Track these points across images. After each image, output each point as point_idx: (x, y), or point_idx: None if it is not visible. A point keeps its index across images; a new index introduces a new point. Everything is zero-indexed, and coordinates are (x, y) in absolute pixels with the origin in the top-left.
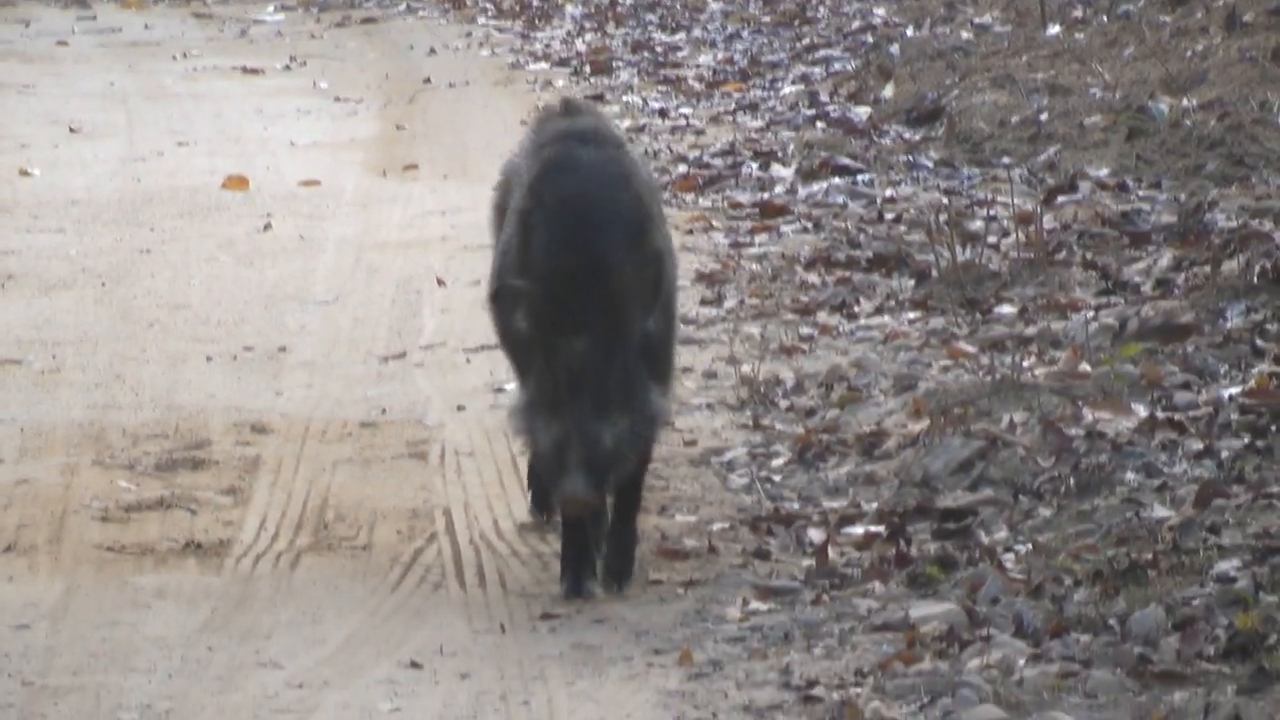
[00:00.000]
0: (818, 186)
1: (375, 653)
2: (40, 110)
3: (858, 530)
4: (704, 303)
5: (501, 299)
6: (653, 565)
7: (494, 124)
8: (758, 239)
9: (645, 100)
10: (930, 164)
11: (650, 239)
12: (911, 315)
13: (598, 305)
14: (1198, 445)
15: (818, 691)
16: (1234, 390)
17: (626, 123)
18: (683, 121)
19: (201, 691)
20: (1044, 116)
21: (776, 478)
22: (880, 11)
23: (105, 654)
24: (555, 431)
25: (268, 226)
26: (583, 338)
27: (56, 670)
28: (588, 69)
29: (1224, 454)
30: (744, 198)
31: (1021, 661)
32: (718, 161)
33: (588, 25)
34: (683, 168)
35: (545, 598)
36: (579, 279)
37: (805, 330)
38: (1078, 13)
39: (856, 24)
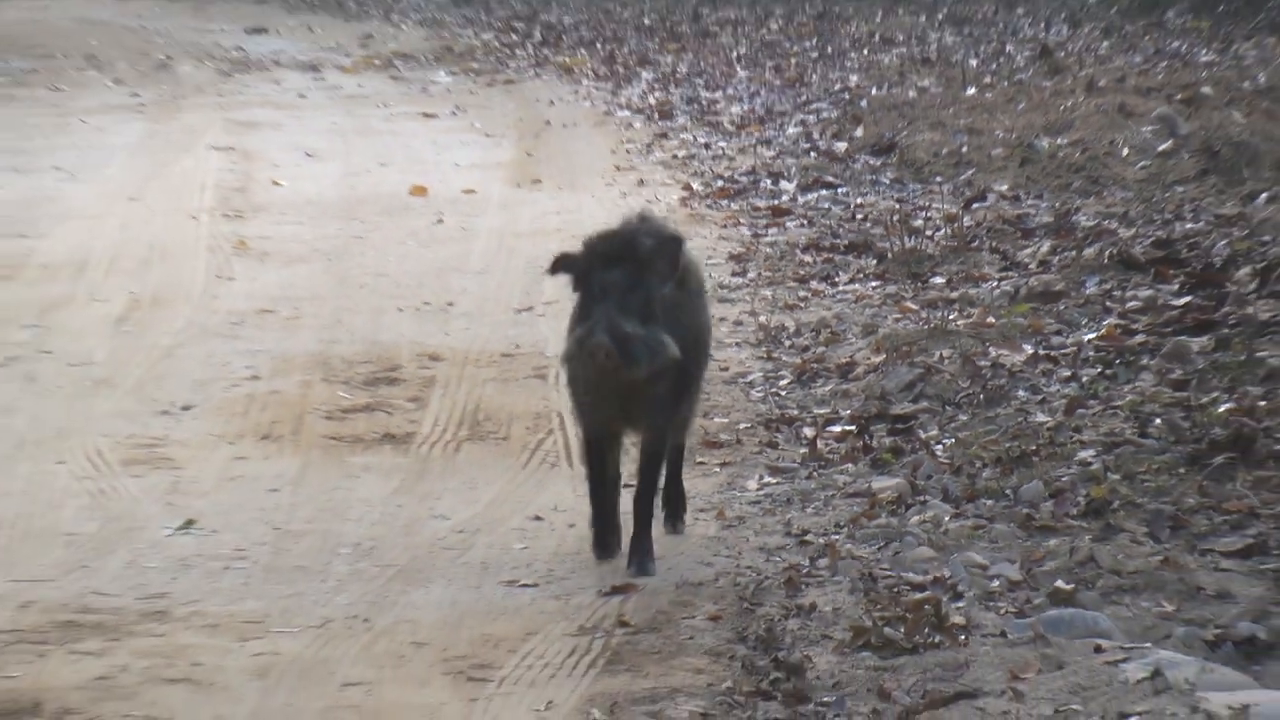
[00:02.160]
0: (811, 196)
1: (511, 509)
2: (287, 141)
3: (837, 429)
4: (733, 274)
5: (556, 266)
6: (698, 453)
7: (592, 152)
8: (770, 231)
9: (695, 136)
10: (887, 181)
11: (670, 246)
12: (874, 284)
13: (626, 262)
14: (1066, 373)
15: (809, 538)
16: (1091, 335)
17: (681, 152)
18: (720, 151)
19: (394, 535)
20: (964, 149)
21: (782, 392)
22: (854, 78)
23: (329, 509)
24: (587, 323)
25: (440, 221)
26: (614, 271)
27: (296, 520)
28: (656, 115)
29: (1084, 379)
30: (761, 203)
31: (947, 518)
32: (743, 178)
33: (656, 85)
34: (720, 182)
35: (626, 474)
36: (612, 247)
37: (802, 293)
38: (987, 79)
39: (838, 86)
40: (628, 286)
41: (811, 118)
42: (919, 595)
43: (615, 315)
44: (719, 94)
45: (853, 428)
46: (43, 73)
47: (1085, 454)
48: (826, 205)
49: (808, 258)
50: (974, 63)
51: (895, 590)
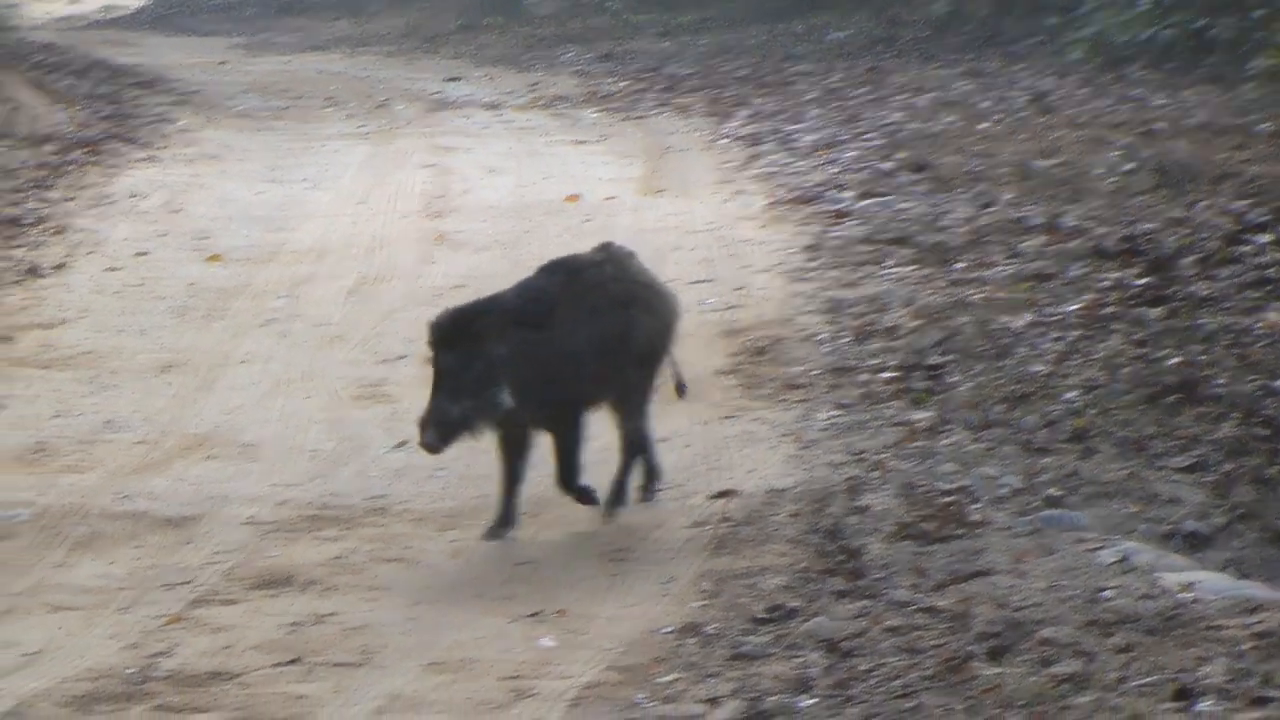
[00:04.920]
0: (865, 203)
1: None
2: (474, 161)
3: (885, 375)
4: (807, 260)
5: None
6: (781, 393)
7: (701, 169)
8: (834, 229)
9: (777, 158)
10: (921, 192)
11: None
12: (912, 268)
13: (457, 344)
14: (1056, 334)
15: (864, 456)
16: (1074, 307)
17: (768, 170)
18: (797, 169)
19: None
20: (979, 168)
21: (845, 347)
22: (897, 115)
23: None
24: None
25: (587, 220)
26: (446, 355)
27: (481, 440)
28: (748, 142)
29: (1069, 338)
30: (827, 208)
31: (967, 442)
32: (814, 189)
33: (749, 120)
34: (797, 192)
35: (730, 409)
36: (442, 331)
37: (858, 274)
38: (995, 117)
39: (884, 121)
40: (457, 368)
41: (865, 145)
42: (946, 499)
43: (443, 402)
44: (796, 127)
45: (897, 374)
46: (293, 109)
47: (1070, 394)
48: (876, 210)
49: (863, 248)
50: (985, 104)
51: (928, 495)
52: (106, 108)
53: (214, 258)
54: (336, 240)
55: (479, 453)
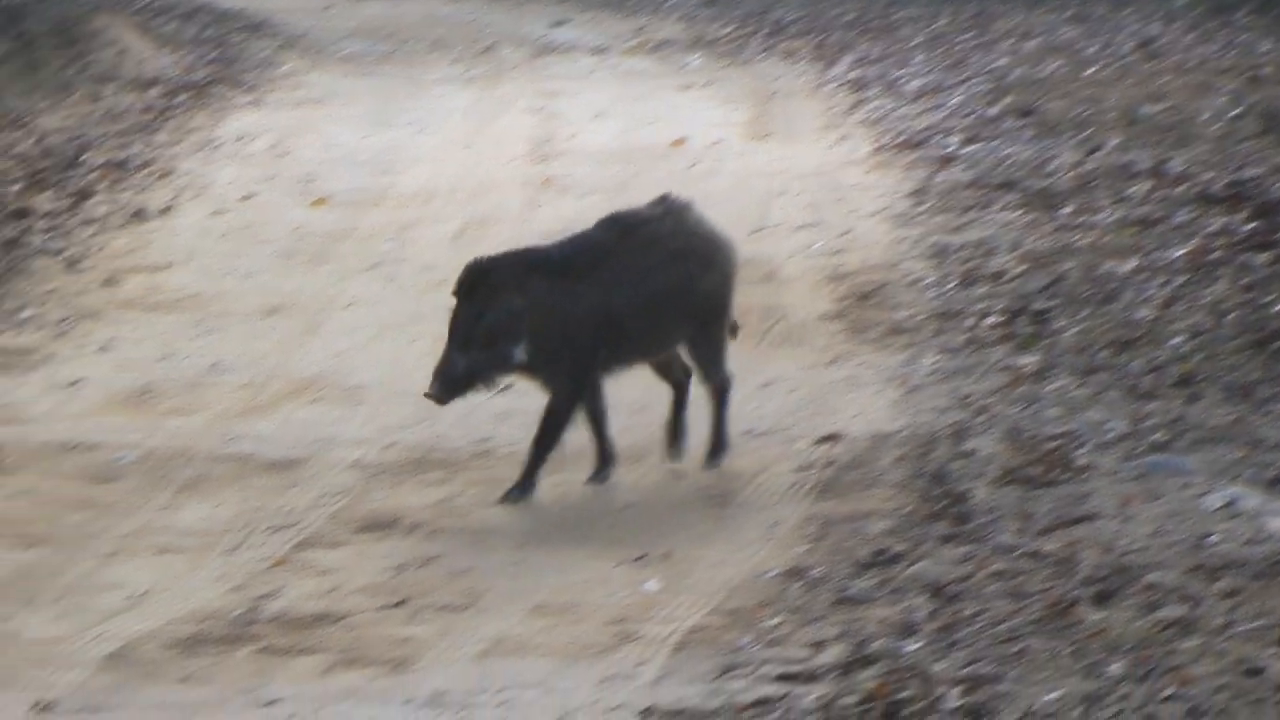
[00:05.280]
0: (971, 148)
1: (747, 378)
2: (579, 105)
3: (990, 320)
4: (913, 206)
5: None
6: (886, 337)
7: (806, 114)
8: (940, 174)
9: (883, 104)
10: (1027, 137)
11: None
12: (1018, 212)
13: (470, 294)
14: (1162, 279)
15: (970, 400)
16: (1180, 252)
17: (873, 115)
18: (903, 115)
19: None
20: (1085, 114)
21: (950, 292)
22: (1003, 60)
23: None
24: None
25: (693, 165)
26: (460, 305)
27: None
28: (854, 87)
29: (1175, 284)
30: (934, 153)
31: (1073, 386)
32: (920, 135)
33: (854, 65)
34: (902, 137)
35: (835, 354)
36: (459, 282)
37: (964, 219)
38: (1102, 62)
39: (990, 66)
40: (472, 319)
41: (970, 90)
42: (1052, 444)
43: (453, 353)
44: (901, 72)
45: (1002, 319)
46: (399, 53)
47: (1176, 340)
48: (982, 155)
49: (968, 193)
50: (1092, 49)
51: (1034, 440)
52: (212, 51)
53: (320, 201)
54: (442, 184)
55: None
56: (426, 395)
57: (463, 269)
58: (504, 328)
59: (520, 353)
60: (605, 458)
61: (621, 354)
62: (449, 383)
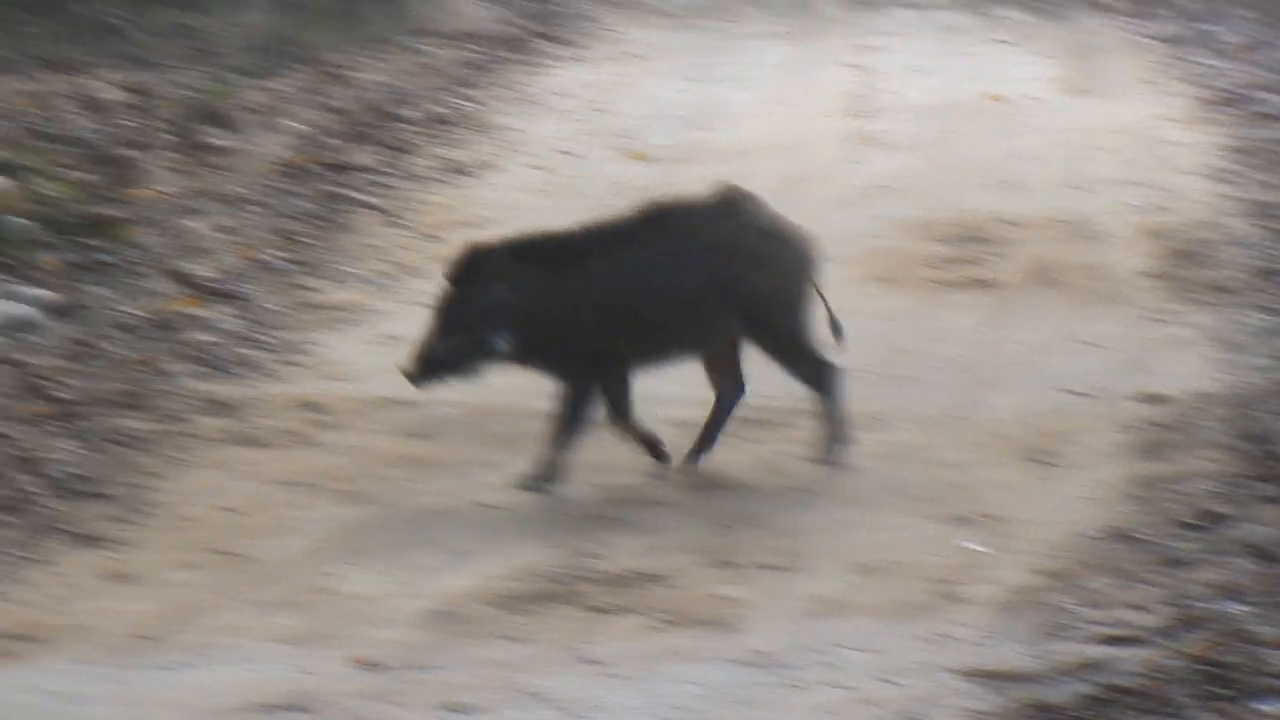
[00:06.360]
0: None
1: (1068, 336)
2: (896, 61)
3: None
4: (1233, 163)
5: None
6: (1206, 294)
7: (1123, 70)
8: (1260, 131)
9: (1201, 60)
10: None
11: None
12: None
13: (456, 279)
14: None
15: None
16: None
17: (1190, 70)
18: (1220, 71)
19: (979, 354)
20: None
21: (1272, 250)
22: None
23: (930, 334)
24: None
25: (1010, 120)
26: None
27: (905, 342)
28: (1171, 42)
29: None
30: (1254, 110)
31: None
32: (1241, 91)
33: (1171, 19)
34: (1222, 94)
35: (1155, 312)
36: (449, 267)
37: None
38: None
39: None
40: (456, 303)
41: None
42: None
43: (434, 336)
44: (1219, 27)
45: None
46: (715, 9)
47: None
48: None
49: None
50: None
51: None
52: (531, 6)
53: (638, 155)
54: (758, 139)
55: (905, 354)
56: (400, 370)
57: (457, 253)
58: (486, 315)
59: (502, 343)
60: (652, 448)
61: (640, 347)
62: (425, 365)
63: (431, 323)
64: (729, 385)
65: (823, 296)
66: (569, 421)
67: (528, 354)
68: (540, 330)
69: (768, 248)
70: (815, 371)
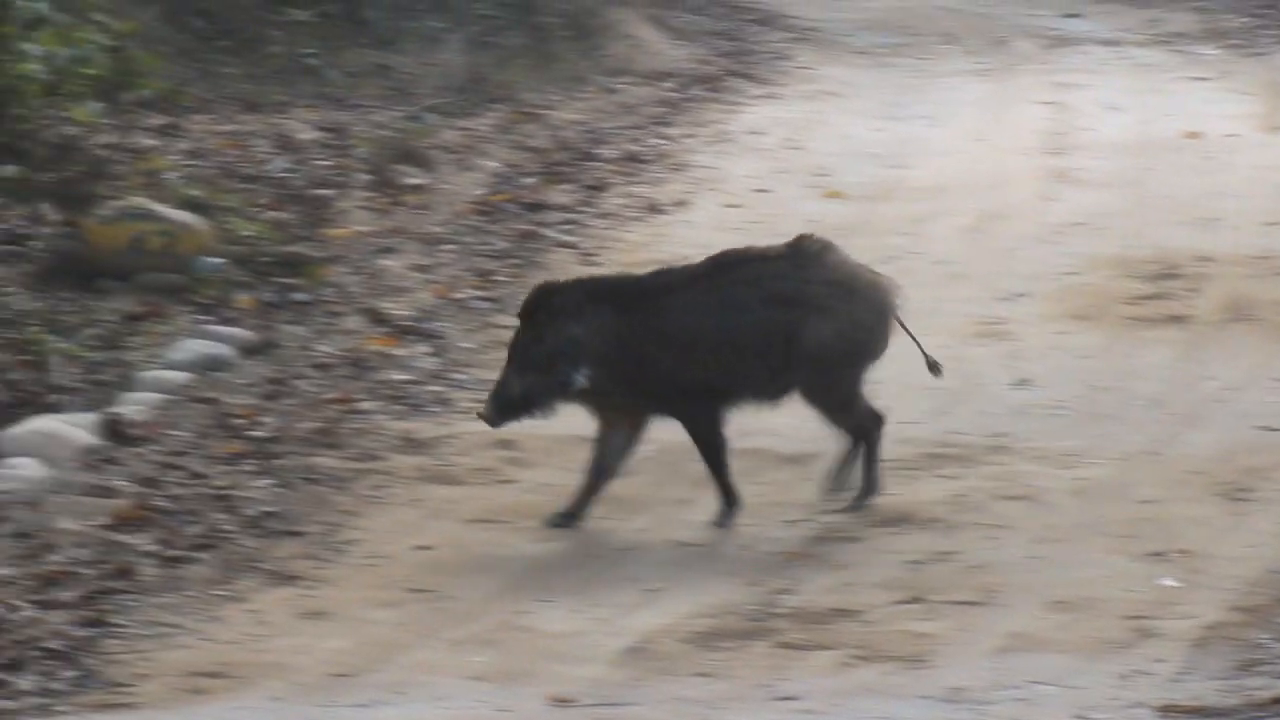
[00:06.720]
0: None
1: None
2: (1093, 98)
3: None
4: None
5: None
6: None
7: None
8: None
9: None
10: None
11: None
12: None
13: (525, 320)
14: None
15: None
16: None
17: None
18: None
19: (1176, 391)
20: None
21: None
22: None
23: (1127, 371)
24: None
25: (1208, 158)
26: (518, 330)
27: (1103, 379)
28: None
29: None
30: None
31: None
32: None
33: None
34: None
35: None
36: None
37: None
38: None
39: None
40: (530, 342)
41: None
42: None
43: (510, 375)
44: None
45: None
46: (910, 46)
47: None
48: None
49: None
50: None
51: None
52: (725, 44)
53: (834, 194)
54: (955, 177)
55: (1102, 391)
56: (479, 415)
57: (530, 291)
58: (560, 353)
59: (581, 379)
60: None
61: (709, 391)
62: (502, 405)
63: (507, 362)
64: (870, 420)
65: (914, 337)
66: (708, 449)
67: (615, 388)
68: (620, 366)
69: (833, 300)
70: (859, 424)
